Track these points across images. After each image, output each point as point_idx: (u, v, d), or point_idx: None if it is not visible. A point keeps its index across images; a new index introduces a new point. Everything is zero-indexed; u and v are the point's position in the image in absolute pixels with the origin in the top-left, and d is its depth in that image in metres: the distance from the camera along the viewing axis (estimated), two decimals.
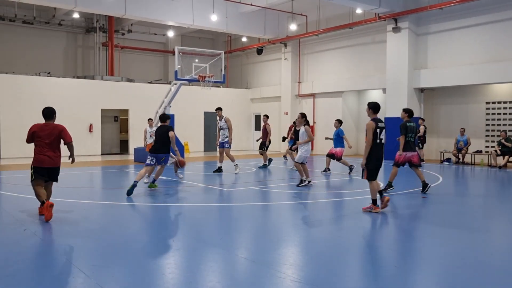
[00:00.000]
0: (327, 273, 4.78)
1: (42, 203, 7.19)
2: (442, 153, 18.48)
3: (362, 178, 7.97)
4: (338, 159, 13.79)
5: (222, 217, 7.99)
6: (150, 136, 15.61)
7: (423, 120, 18.17)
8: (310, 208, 8.80)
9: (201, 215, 8.07)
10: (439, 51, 18.59)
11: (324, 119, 23.07)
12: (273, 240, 6.25)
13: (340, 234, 6.75)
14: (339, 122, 14.21)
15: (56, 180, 7.74)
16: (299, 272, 4.81)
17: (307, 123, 11.24)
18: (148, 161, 10.35)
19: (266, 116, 16.13)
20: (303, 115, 11.39)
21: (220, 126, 13.96)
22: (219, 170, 13.94)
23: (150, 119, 16.23)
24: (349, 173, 13.62)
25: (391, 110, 19.38)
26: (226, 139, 13.84)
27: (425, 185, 10.06)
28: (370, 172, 7.82)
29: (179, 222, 7.56)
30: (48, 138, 7.45)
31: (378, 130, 7.82)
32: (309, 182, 11.01)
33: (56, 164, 7.51)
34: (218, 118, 14.16)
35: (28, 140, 7.60)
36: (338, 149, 13.81)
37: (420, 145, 17.85)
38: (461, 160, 17.58)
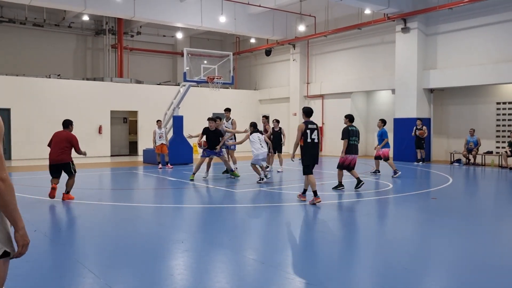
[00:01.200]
0: (336, 274, 4.76)
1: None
2: (452, 154, 18.35)
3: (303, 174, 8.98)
4: (385, 159, 13.52)
5: (231, 218, 7.99)
6: (160, 138, 15.72)
7: (421, 120, 17.99)
8: (319, 209, 8.77)
9: (209, 216, 8.08)
10: (448, 51, 18.47)
11: (333, 120, 23.00)
12: (282, 241, 6.24)
13: (349, 235, 6.72)
14: (383, 122, 13.74)
15: (68, 174, 9.08)
16: (307, 273, 4.79)
17: (256, 130, 12.17)
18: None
19: (265, 117, 15.59)
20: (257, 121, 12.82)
21: (226, 127, 13.95)
22: (227, 171, 13.89)
23: (159, 121, 16.28)
24: (392, 176, 13.10)
25: (400, 111, 19.29)
26: (231, 141, 13.78)
27: (359, 182, 10.56)
28: (306, 168, 8.85)
29: (187, 223, 7.58)
30: (59, 140, 9.02)
31: (308, 131, 8.79)
32: (262, 179, 11.82)
33: (60, 161, 8.95)
34: (225, 119, 14.15)
35: (49, 144, 9.14)
36: (384, 149, 13.49)
37: (424, 145, 17.88)
38: (471, 161, 17.45)
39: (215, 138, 12.48)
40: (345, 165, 10.63)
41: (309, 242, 6.21)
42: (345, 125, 10.80)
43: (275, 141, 14.73)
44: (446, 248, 5.84)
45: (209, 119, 12.72)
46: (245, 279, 4.65)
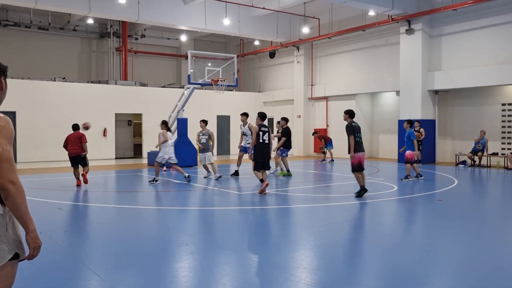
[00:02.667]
0: (341, 277, 4.74)
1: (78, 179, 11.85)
2: (457, 156, 18.27)
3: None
4: (407, 162, 12.79)
5: (236, 220, 7.98)
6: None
7: (419, 122, 17.83)
8: (323, 211, 8.75)
9: (214, 218, 8.07)
10: (453, 52, 18.41)
11: (337, 122, 22.94)
12: (287, 243, 6.23)
13: (354, 237, 6.70)
14: (409, 122, 13.09)
15: (83, 165, 11.77)
16: (312, 275, 4.78)
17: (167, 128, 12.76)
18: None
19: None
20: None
21: (243, 132, 13.88)
22: (236, 173, 14.00)
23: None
24: (416, 177, 12.88)
25: (405, 112, 19.23)
26: (248, 145, 13.62)
27: (363, 190, 9.64)
28: (257, 164, 10.46)
29: (192, 226, 7.57)
30: (74, 139, 11.77)
31: (261, 133, 10.39)
32: (156, 181, 12.34)
33: (78, 153, 11.70)
34: (242, 123, 14.00)
35: (64, 145, 11.81)
36: (408, 152, 12.80)
37: (420, 147, 17.70)
38: (476, 162, 17.37)
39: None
40: (360, 165, 9.71)
41: (313, 244, 6.19)
42: (346, 122, 9.93)
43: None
44: (452, 250, 5.81)
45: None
46: (250, 281, 4.64)
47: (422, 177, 13.00)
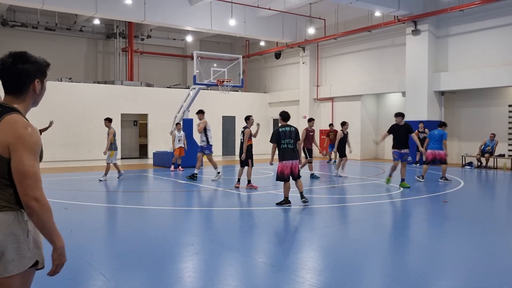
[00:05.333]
0: (346, 278, 4.72)
1: None
2: (463, 157, 18.17)
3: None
4: (443, 162, 12.65)
5: (241, 221, 7.98)
6: (179, 141, 15.95)
7: (423, 123, 17.74)
8: (328, 212, 8.73)
9: (219, 219, 8.08)
10: (459, 53, 18.32)
11: None
12: (292, 244, 6.22)
13: (360, 238, 6.68)
14: (443, 124, 13.13)
15: None
16: (317, 276, 4.77)
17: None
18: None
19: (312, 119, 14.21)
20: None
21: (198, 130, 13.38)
22: (193, 177, 13.01)
23: (178, 124, 16.50)
24: (441, 179, 12.74)
25: (411, 113, 19.14)
26: (203, 143, 13.23)
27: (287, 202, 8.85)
28: (242, 163, 11.15)
29: (197, 226, 7.58)
30: None
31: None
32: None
33: None
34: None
35: None
36: (443, 152, 12.65)
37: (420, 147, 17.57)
38: (483, 164, 17.27)
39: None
40: (283, 176, 8.65)
41: (318, 245, 6.17)
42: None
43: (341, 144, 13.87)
44: (458, 252, 5.78)
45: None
46: (255, 282, 4.63)
47: (423, 181, 12.80)
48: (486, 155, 17.09)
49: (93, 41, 26.05)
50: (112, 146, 12.81)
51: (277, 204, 8.91)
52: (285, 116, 9.02)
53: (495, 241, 6.41)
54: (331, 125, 20.08)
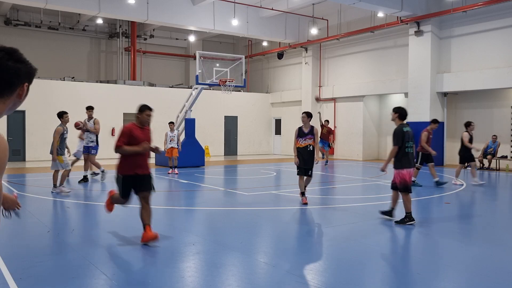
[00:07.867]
0: (348, 279, 4.73)
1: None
2: None
3: None
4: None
5: (242, 221, 7.98)
6: (170, 141, 15.45)
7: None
8: (330, 214, 8.73)
9: (221, 219, 8.08)
10: (462, 54, 18.29)
11: (345, 124, 22.91)
12: (293, 244, 6.22)
13: (361, 239, 6.67)
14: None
15: None
16: (319, 277, 4.77)
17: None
18: None
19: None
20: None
21: (87, 128, 12.32)
22: (85, 179, 12.41)
23: (171, 123, 16.15)
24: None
25: (413, 114, 19.10)
26: (91, 144, 12.42)
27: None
28: (299, 171, 9.47)
29: (199, 226, 7.59)
30: None
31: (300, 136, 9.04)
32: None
33: None
34: (87, 118, 12.59)
35: None
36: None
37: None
38: (485, 165, 17.24)
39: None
40: (409, 185, 7.58)
41: (320, 246, 6.18)
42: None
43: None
44: (460, 254, 5.77)
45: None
46: (256, 282, 4.64)
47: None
48: (489, 156, 17.07)
49: (96, 41, 26.09)
50: (58, 149, 10.63)
51: (397, 222, 7.38)
52: (403, 113, 7.47)
53: (498, 243, 6.39)
54: (326, 121, 20.04)
